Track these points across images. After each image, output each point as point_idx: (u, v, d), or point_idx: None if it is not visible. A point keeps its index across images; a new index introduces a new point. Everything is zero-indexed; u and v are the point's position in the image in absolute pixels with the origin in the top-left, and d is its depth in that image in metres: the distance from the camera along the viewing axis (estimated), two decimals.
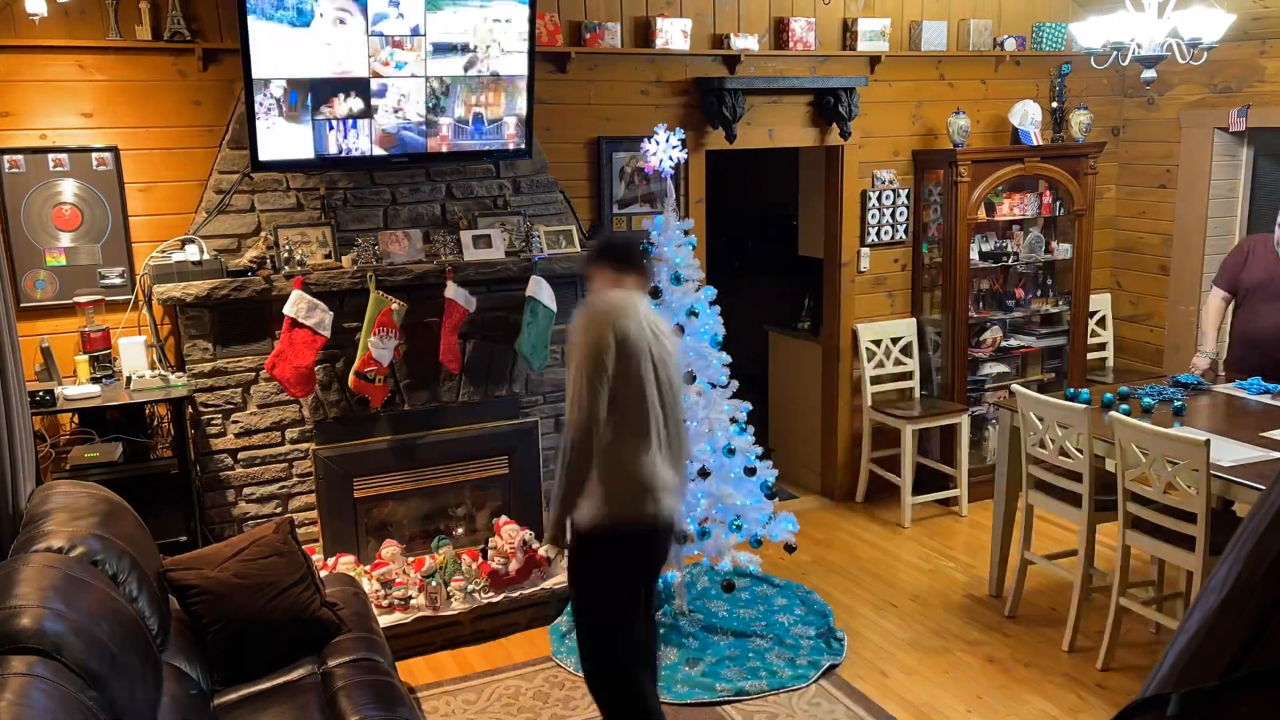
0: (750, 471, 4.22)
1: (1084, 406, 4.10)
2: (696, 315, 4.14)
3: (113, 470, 3.93)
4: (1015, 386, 4.47)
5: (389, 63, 4.16)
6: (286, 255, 4.29)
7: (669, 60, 5.08)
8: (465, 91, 4.35)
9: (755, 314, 6.46)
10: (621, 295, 3.17)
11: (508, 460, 4.81)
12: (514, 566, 4.44)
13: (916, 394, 5.84)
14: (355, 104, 4.17)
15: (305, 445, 4.44)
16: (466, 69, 4.32)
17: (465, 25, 4.25)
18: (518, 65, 4.42)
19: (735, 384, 4.26)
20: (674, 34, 5.01)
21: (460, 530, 4.84)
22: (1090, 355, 6.21)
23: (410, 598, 4.29)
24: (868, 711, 3.80)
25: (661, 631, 4.29)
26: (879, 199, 5.72)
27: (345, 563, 4.36)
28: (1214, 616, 0.70)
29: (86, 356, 4.09)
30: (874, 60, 5.54)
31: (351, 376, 4.27)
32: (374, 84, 4.17)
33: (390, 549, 4.41)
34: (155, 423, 4.25)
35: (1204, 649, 0.70)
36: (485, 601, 4.37)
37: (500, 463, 4.80)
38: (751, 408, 4.35)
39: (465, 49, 4.29)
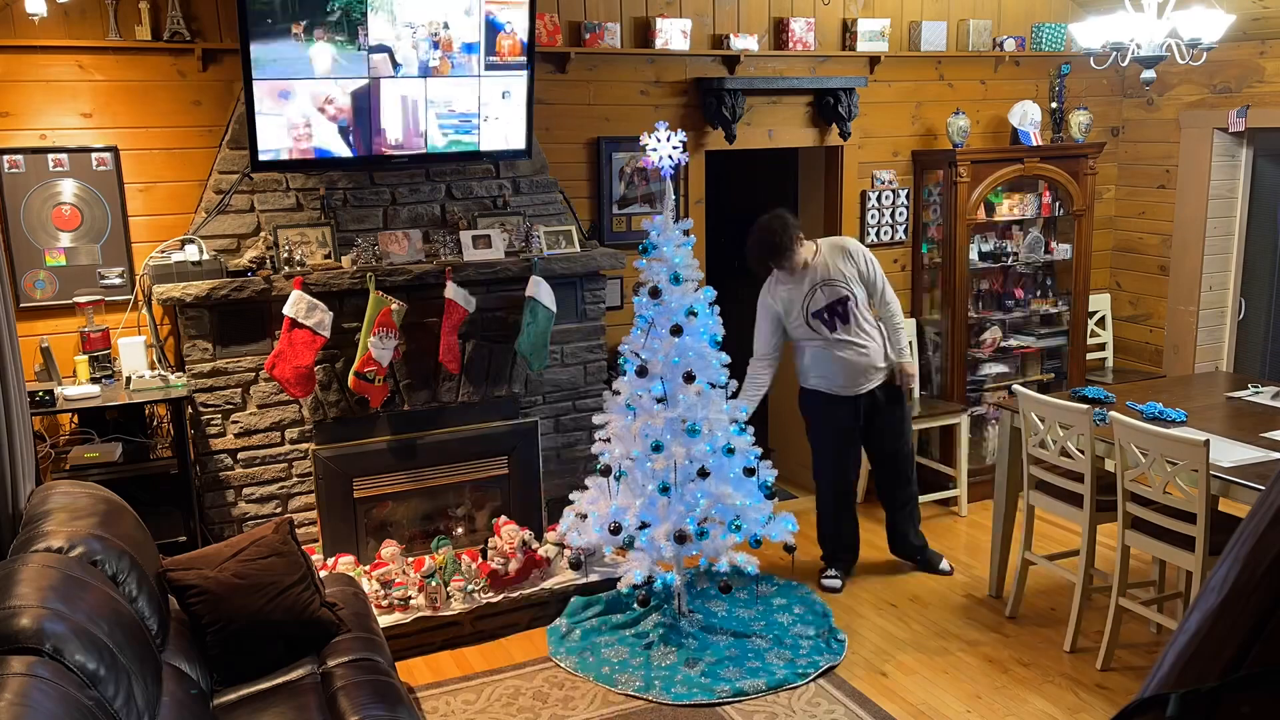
0: (750, 472, 4.21)
1: (1085, 406, 4.10)
2: (696, 315, 4.14)
3: (112, 470, 3.93)
4: (1015, 387, 4.47)
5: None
6: (286, 255, 4.29)
7: (669, 60, 5.08)
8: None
9: (755, 314, 6.44)
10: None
11: (507, 460, 4.81)
12: (514, 567, 4.44)
13: (916, 394, 5.83)
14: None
15: (305, 445, 4.44)
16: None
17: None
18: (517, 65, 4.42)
19: (735, 384, 4.26)
20: (674, 34, 5.00)
21: (460, 530, 4.84)
22: (1090, 355, 6.21)
23: (410, 598, 4.29)
24: (867, 711, 3.80)
25: (661, 632, 4.29)
26: (878, 199, 5.72)
27: (345, 563, 4.36)
28: (1214, 616, 0.70)
29: (86, 356, 4.09)
30: (873, 60, 5.54)
31: (351, 377, 4.27)
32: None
33: (390, 549, 4.41)
34: (155, 423, 4.25)
35: (1204, 649, 0.70)
36: (485, 601, 4.37)
37: (500, 463, 4.80)
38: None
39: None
